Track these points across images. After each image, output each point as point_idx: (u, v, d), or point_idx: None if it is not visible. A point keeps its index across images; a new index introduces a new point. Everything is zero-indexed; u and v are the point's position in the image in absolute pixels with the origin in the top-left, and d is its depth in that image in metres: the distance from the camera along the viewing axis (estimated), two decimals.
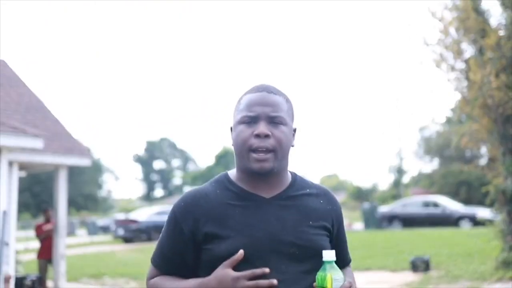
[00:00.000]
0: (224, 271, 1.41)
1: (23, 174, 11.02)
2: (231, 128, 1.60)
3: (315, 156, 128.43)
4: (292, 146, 1.59)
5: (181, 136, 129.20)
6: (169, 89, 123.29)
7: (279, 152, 1.51)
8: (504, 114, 9.31)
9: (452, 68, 10.67)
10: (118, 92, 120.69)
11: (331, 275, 1.39)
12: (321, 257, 1.46)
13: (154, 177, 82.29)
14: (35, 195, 43.33)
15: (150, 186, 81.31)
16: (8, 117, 8.55)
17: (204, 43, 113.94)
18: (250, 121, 1.52)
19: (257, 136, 1.49)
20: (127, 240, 22.24)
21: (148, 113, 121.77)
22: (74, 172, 40.70)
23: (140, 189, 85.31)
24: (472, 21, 9.60)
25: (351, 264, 1.76)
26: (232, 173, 1.61)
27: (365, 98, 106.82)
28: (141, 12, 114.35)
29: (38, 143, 6.74)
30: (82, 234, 30.81)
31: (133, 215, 23.83)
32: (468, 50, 10.26)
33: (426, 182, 39.60)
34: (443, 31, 10.69)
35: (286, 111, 1.57)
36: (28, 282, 8.20)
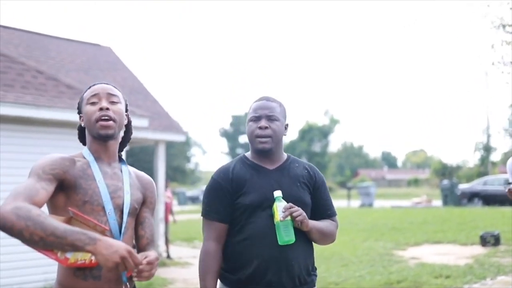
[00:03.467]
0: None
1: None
2: (246, 125, 2.42)
3: (403, 131, 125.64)
4: (285, 135, 2.41)
5: None
6: (253, 64, 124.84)
7: (274, 137, 2.33)
8: None
9: None
10: (204, 67, 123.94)
11: (276, 205, 2.20)
12: (305, 207, 2.30)
13: (239, 150, 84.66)
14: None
15: None
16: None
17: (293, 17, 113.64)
18: (256, 119, 2.34)
19: (260, 128, 2.31)
20: None
21: (234, 88, 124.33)
22: None
23: (225, 162, 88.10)
24: None
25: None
26: (248, 154, 2.45)
27: (454, 73, 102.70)
28: None
29: (144, 122, 7.99)
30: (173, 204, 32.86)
31: None
32: None
33: None
34: None
35: (279, 112, 2.37)
36: None
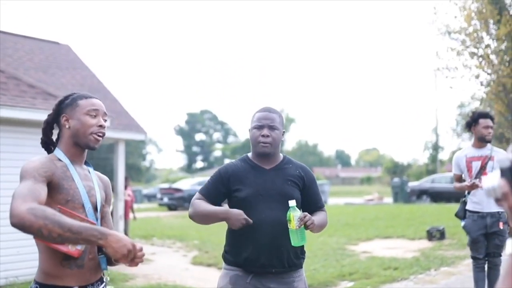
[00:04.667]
0: (239, 211, 2.66)
1: None
2: (249, 130, 2.89)
3: (356, 130, 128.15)
4: (282, 140, 2.89)
5: (222, 109, 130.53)
6: (209, 62, 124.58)
7: (274, 144, 2.80)
8: None
9: (472, 56, 11.52)
10: (159, 64, 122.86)
11: (292, 214, 2.61)
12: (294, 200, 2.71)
13: (195, 148, 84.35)
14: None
15: (191, 158, 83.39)
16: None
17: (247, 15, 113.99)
18: (259, 127, 2.81)
19: (263, 136, 2.78)
20: (171, 207, 23.88)
21: (189, 86, 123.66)
22: None
23: (181, 160, 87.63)
24: (488, 13, 10.43)
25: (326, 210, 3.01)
26: (250, 154, 2.94)
27: (406, 74, 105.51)
28: None
29: (107, 122, 8.14)
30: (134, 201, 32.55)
31: (177, 185, 25.43)
32: (486, 39, 11.10)
33: None
34: (466, 19, 11.49)
35: (279, 122, 2.83)
36: None
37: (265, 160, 2.84)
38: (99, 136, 2.26)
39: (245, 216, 2.63)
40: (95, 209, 2.21)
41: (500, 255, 5.03)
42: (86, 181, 2.23)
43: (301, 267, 2.85)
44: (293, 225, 2.58)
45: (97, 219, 2.20)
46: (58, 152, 2.22)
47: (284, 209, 2.67)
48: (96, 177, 2.34)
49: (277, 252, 2.69)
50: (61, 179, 2.11)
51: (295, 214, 2.60)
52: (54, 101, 7.98)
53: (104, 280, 2.26)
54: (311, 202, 2.89)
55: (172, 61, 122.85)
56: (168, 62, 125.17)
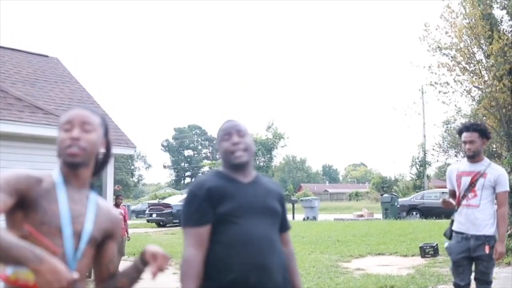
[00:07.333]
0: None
1: None
2: (218, 147, 2.59)
3: (343, 144, 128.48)
4: (254, 150, 2.60)
5: (211, 123, 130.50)
6: (196, 76, 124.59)
7: (248, 150, 2.52)
8: (507, 114, 10.19)
9: (464, 71, 11.50)
10: (147, 80, 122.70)
11: None
12: (278, 216, 2.55)
13: (183, 164, 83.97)
14: None
15: (179, 173, 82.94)
16: (64, 111, 9.81)
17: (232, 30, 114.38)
18: (228, 137, 2.51)
19: (234, 144, 2.49)
20: (159, 224, 23.57)
21: (176, 101, 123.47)
22: None
23: (169, 176, 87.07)
24: (480, 29, 10.45)
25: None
26: (221, 169, 2.58)
27: (394, 89, 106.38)
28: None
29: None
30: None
31: (166, 201, 25.18)
32: (477, 55, 11.12)
33: None
34: (457, 35, 11.49)
35: (246, 129, 2.55)
36: None
37: (240, 172, 2.52)
38: (72, 148, 1.90)
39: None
40: (78, 237, 1.89)
41: (487, 283, 4.49)
42: (77, 205, 1.92)
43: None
44: None
45: (77, 249, 1.88)
46: (55, 171, 1.97)
47: (269, 223, 2.49)
48: (96, 206, 2.02)
49: (268, 269, 2.37)
50: (41, 197, 1.84)
51: None
52: (42, 115, 7.71)
53: None
54: (282, 222, 2.66)
55: (161, 76, 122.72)
56: (156, 76, 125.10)
